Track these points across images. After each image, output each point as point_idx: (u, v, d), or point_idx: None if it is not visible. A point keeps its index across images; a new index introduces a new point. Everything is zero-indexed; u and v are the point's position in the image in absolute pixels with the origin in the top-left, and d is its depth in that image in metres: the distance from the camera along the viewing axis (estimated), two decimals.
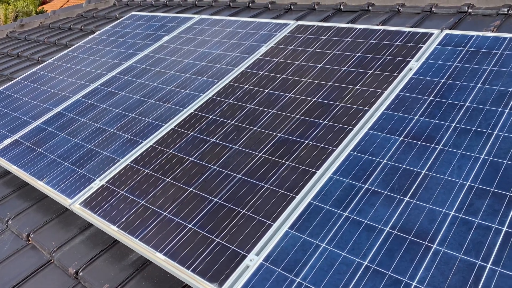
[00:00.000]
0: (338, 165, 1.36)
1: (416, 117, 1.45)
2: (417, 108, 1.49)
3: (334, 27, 2.14)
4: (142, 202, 1.48)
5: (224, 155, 1.59)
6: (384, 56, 1.80)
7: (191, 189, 1.48)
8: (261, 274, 1.12)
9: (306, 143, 1.50)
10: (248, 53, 2.19)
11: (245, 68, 2.07)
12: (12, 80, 3.01)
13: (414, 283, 0.99)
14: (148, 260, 1.44)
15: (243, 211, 1.33)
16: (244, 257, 1.19)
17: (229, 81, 2.01)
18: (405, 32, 1.92)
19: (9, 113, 2.42)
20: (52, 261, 1.60)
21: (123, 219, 1.44)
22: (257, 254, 1.19)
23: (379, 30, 1.99)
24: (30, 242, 1.72)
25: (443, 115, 1.42)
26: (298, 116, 1.64)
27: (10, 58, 3.69)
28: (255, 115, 1.74)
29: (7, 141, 2.14)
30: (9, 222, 1.83)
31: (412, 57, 1.74)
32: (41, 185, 1.76)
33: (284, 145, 1.53)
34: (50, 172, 1.81)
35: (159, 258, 1.27)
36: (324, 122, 1.56)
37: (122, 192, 1.56)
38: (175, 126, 1.83)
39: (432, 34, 1.84)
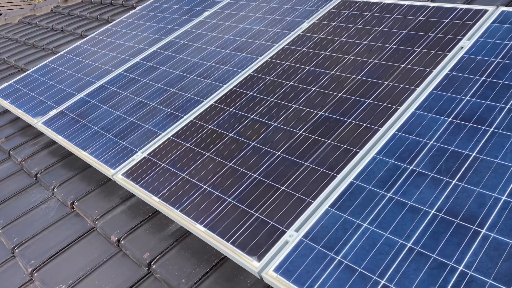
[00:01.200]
0: (382, 145, 1.33)
1: (467, 98, 1.38)
2: (468, 88, 1.42)
3: (380, 3, 2.06)
4: (183, 175, 1.50)
5: (264, 132, 1.58)
6: (433, 34, 1.72)
7: (230, 164, 1.49)
8: (301, 250, 1.12)
9: (349, 122, 1.47)
10: (289, 29, 2.14)
11: (286, 45, 2.03)
12: (57, 54, 3.10)
13: (460, 267, 0.96)
14: (188, 231, 1.47)
15: (283, 188, 1.33)
16: (283, 232, 1.19)
17: (269, 58, 1.99)
18: (456, 8, 1.82)
19: (54, 85, 2.50)
20: (95, 229, 1.66)
21: (164, 191, 1.46)
22: (297, 230, 1.19)
23: (428, 6, 1.90)
24: (74, 209, 1.79)
25: (496, 96, 1.35)
26: (340, 94, 1.60)
27: (55, 32, 3.79)
28: (295, 93, 1.71)
29: (53, 112, 2.21)
30: (55, 189, 1.91)
31: (463, 35, 1.66)
32: (85, 155, 1.82)
33: (325, 124, 1.51)
34: (94, 143, 1.86)
35: (199, 230, 1.29)
36: (368, 101, 1.52)
37: (163, 164, 1.59)
38: (215, 102, 1.83)
39: (486, 11, 1.74)
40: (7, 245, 1.73)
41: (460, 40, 1.64)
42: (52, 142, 2.26)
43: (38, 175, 2.04)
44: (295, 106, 1.64)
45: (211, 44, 2.28)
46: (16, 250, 1.67)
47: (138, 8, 3.16)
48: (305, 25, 2.12)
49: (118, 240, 1.53)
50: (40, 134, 2.38)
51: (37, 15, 4.50)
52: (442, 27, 1.75)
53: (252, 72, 1.93)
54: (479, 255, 0.97)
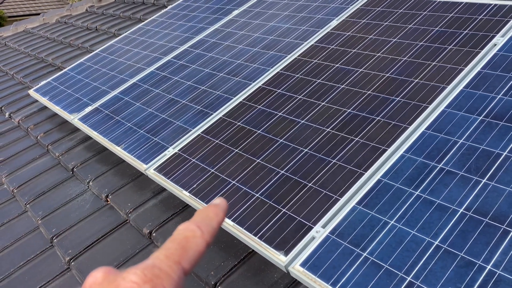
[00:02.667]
0: (411, 143, 1.32)
1: (499, 96, 1.36)
2: (501, 86, 1.39)
3: None
4: (212, 170, 1.54)
5: (291, 129, 1.60)
6: (466, 31, 1.70)
7: (258, 160, 1.52)
8: (327, 246, 1.14)
9: (377, 120, 1.47)
10: (318, 26, 2.15)
11: (315, 42, 2.04)
12: (92, 52, 3.21)
13: (488, 267, 0.95)
14: None
15: (310, 184, 1.35)
16: (310, 228, 1.21)
17: (298, 55, 2.00)
18: (490, 5, 1.78)
19: (90, 82, 2.59)
20: (128, 221, 1.73)
21: (195, 185, 1.51)
22: (324, 226, 1.20)
23: (461, 2, 1.87)
24: (109, 202, 1.86)
25: None
26: (369, 92, 1.61)
27: (90, 31, 3.92)
28: (323, 90, 1.72)
29: (89, 108, 2.30)
30: (90, 183, 1.99)
31: (497, 32, 1.63)
32: (118, 151, 1.89)
33: (353, 121, 1.51)
34: (127, 139, 1.93)
35: (227, 224, 1.32)
36: (398, 98, 1.52)
37: (193, 160, 1.63)
38: (243, 99, 1.87)
39: None
40: (46, 235, 1.82)
41: (493, 37, 1.61)
42: (88, 138, 2.35)
43: (75, 169, 2.13)
44: (323, 103, 1.65)
45: (240, 43, 2.31)
46: (55, 240, 1.76)
47: (169, 7, 3.24)
48: (334, 23, 2.12)
49: (150, 233, 1.59)
50: (76, 129, 2.48)
51: (73, 15, 4.66)
52: (475, 24, 1.72)
53: (281, 70, 1.96)
54: (508, 254, 0.96)
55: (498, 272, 0.94)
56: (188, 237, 0.36)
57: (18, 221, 2.00)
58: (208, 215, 0.38)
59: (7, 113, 3.02)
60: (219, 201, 0.41)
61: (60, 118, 2.68)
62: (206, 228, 0.37)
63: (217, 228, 0.38)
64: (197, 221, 0.38)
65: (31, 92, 2.81)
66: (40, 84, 2.85)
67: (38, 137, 2.54)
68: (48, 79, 2.86)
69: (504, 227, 1.02)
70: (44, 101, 2.61)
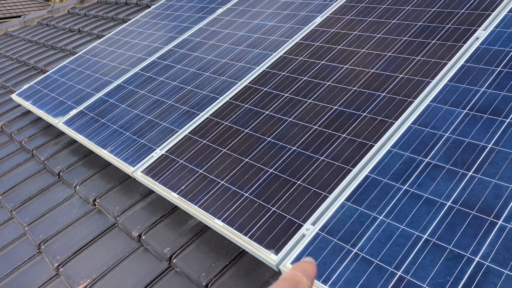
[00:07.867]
0: (397, 138, 1.33)
1: (483, 89, 1.38)
2: (484, 79, 1.41)
3: None
4: (201, 171, 1.53)
5: (279, 127, 1.60)
6: (448, 25, 1.71)
7: (246, 159, 1.51)
8: (317, 244, 1.14)
9: (364, 116, 1.47)
10: (303, 24, 2.15)
11: (300, 40, 2.04)
12: (75, 55, 3.16)
13: (477, 259, 0.96)
14: (207, 226, 1.50)
15: (299, 182, 1.35)
16: (300, 226, 1.21)
17: (283, 53, 2.00)
18: None
19: (74, 85, 2.56)
20: (116, 225, 1.71)
21: (183, 187, 1.50)
22: (313, 224, 1.20)
23: None
24: (96, 206, 1.84)
25: None
26: (355, 88, 1.61)
27: (72, 33, 3.86)
28: (310, 87, 1.72)
29: (73, 111, 2.27)
30: (77, 187, 1.96)
31: (479, 26, 1.64)
32: (105, 154, 1.87)
33: (340, 118, 1.52)
34: (113, 141, 1.91)
35: (217, 224, 1.32)
36: (383, 94, 1.53)
37: (181, 161, 1.62)
38: (230, 99, 1.86)
39: (502, 0, 1.72)
40: (33, 242, 1.79)
41: (475, 30, 1.63)
42: (73, 141, 2.32)
43: (61, 174, 2.10)
44: (309, 101, 1.66)
45: (225, 41, 2.30)
46: (42, 246, 1.73)
47: (152, 7, 3.21)
48: (319, 20, 2.12)
49: (139, 236, 1.58)
50: (61, 133, 2.44)
51: (55, 17, 4.59)
52: (457, 18, 1.73)
53: (267, 68, 1.95)
54: (496, 246, 0.97)
55: (486, 263, 0.95)
56: (297, 280, 0.45)
57: (4, 228, 1.96)
58: (305, 268, 0.48)
59: None
60: (309, 259, 0.50)
61: (44, 122, 2.64)
62: (308, 276, 0.47)
63: (313, 277, 0.48)
64: (299, 270, 0.47)
65: (14, 96, 2.76)
66: (22, 88, 2.80)
67: (22, 142, 2.50)
68: (31, 83, 2.82)
69: (490, 219, 1.03)
70: (28, 105, 2.57)
